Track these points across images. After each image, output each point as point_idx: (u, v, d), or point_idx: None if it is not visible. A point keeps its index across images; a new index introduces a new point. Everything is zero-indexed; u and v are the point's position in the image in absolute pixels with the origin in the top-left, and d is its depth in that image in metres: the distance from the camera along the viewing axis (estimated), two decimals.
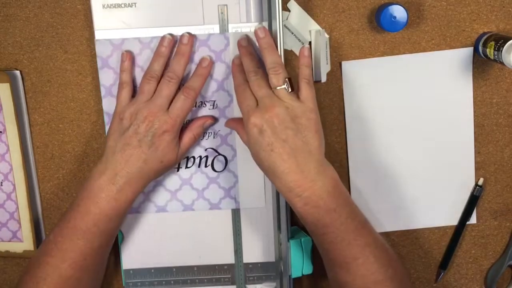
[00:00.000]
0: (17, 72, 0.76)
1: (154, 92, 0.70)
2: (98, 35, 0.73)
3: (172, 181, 0.77)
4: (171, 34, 0.72)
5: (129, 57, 0.73)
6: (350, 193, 0.79)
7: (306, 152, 0.64)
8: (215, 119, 0.75)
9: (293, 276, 0.75)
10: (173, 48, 0.72)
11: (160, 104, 0.69)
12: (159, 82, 0.71)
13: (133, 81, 0.74)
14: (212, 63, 0.73)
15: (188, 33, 0.72)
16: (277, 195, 0.73)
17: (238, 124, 0.73)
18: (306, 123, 0.65)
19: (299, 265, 0.75)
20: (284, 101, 0.65)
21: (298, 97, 0.67)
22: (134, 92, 0.73)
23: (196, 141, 0.74)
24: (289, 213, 0.73)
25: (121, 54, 0.73)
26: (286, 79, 0.66)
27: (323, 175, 0.65)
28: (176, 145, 0.71)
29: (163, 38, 0.72)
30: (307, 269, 0.76)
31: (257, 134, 0.65)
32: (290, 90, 0.66)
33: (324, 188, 0.64)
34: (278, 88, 0.66)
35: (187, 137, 0.73)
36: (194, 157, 0.76)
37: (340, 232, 0.64)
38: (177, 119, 0.69)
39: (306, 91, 0.67)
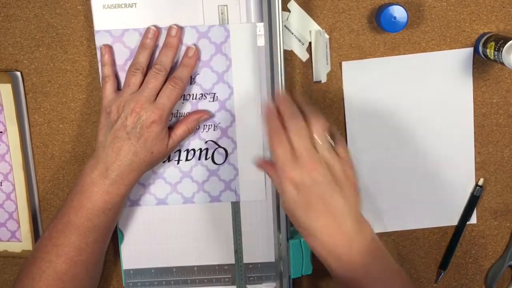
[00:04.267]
0: (18, 73, 0.76)
1: (140, 84, 0.70)
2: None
3: (172, 173, 0.77)
4: (156, 26, 0.72)
5: (108, 51, 0.72)
6: None
7: (344, 210, 0.63)
8: (211, 114, 0.75)
9: (293, 276, 0.75)
10: (158, 40, 0.72)
11: (147, 95, 0.69)
12: (144, 74, 0.70)
13: (117, 74, 0.73)
14: (198, 52, 0.73)
15: (176, 25, 0.72)
16: (277, 191, 0.73)
17: (272, 168, 0.68)
18: (345, 180, 0.63)
19: (299, 265, 0.75)
20: (324, 156, 0.63)
21: (335, 150, 0.64)
22: (119, 86, 0.73)
23: (189, 134, 0.74)
24: None
25: (99, 48, 0.73)
26: (327, 133, 0.64)
27: (360, 232, 0.63)
28: (166, 136, 0.71)
29: (147, 30, 0.72)
30: (307, 270, 0.76)
31: (293, 189, 0.63)
32: (330, 145, 0.64)
33: (361, 245, 0.63)
34: (318, 140, 0.64)
35: (181, 129, 0.73)
36: (194, 150, 0.76)
37: (371, 287, 0.63)
38: (164, 108, 0.69)
39: (343, 144, 0.65)
